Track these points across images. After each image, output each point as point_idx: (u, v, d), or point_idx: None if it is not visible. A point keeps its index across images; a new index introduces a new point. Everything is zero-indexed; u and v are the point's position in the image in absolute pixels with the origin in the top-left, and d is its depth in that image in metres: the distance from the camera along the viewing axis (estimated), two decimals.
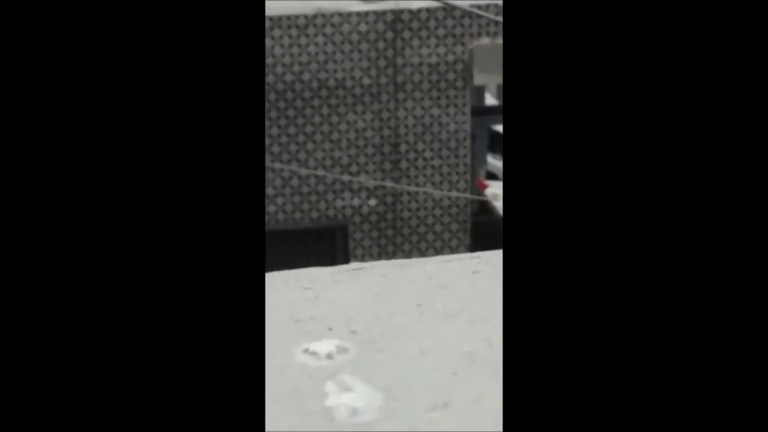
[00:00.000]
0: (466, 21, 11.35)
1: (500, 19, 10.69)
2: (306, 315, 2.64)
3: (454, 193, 11.23)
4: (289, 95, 11.03)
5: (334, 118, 11.20)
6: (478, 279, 2.88)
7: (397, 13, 11.17)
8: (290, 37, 10.86)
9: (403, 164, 11.48)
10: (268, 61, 10.79)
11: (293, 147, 11.14)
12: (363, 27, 11.07)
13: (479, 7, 10.95)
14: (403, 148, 11.42)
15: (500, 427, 2.09)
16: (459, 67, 11.35)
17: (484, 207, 12.83)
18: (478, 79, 11.89)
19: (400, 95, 11.30)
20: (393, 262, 3.02)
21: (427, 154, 11.47)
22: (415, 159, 11.47)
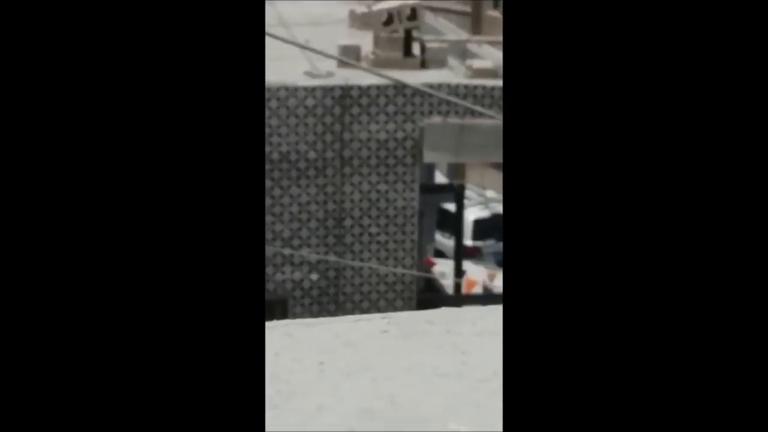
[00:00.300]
0: (417, 99, 11.43)
1: (451, 99, 10.78)
2: None
3: (399, 270, 11.18)
4: None
5: (277, 192, 11.15)
6: (385, 338, 2.82)
7: (346, 89, 11.21)
8: None
9: (348, 239, 11.42)
10: None
11: None
12: (310, 101, 11.10)
13: (431, 86, 11.03)
14: (347, 222, 11.38)
15: None
16: (409, 144, 11.39)
17: (431, 285, 12.79)
18: (429, 157, 11.90)
19: (347, 170, 11.29)
20: (299, 321, 2.96)
21: (373, 230, 11.43)
22: (360, 234, 11.42)
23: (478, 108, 10.67)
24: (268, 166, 11.00)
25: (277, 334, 2.79)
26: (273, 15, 13.39)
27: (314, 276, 11.41)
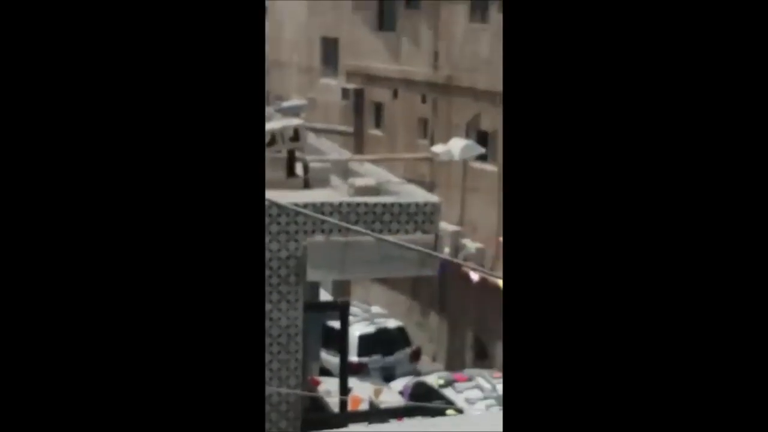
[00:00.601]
0: (300, 218, 11.52)
1: (330, 219, 10.88)
2: None
3: (284, 390, 11.09)
4: None
5: None
6: None
7: None
8: None
9: None
10: None
11: None
12: None
13: (314, 205, 11.15)
14: None
15: None
16: (292, 262, 11.43)
17: (317, 404, 12.69)
18: (312, 275, 11.93)
19: None
20: None
21: None
22: None
23: (358, 228, 10.81)
24: None
25: None
26: None
27: None
